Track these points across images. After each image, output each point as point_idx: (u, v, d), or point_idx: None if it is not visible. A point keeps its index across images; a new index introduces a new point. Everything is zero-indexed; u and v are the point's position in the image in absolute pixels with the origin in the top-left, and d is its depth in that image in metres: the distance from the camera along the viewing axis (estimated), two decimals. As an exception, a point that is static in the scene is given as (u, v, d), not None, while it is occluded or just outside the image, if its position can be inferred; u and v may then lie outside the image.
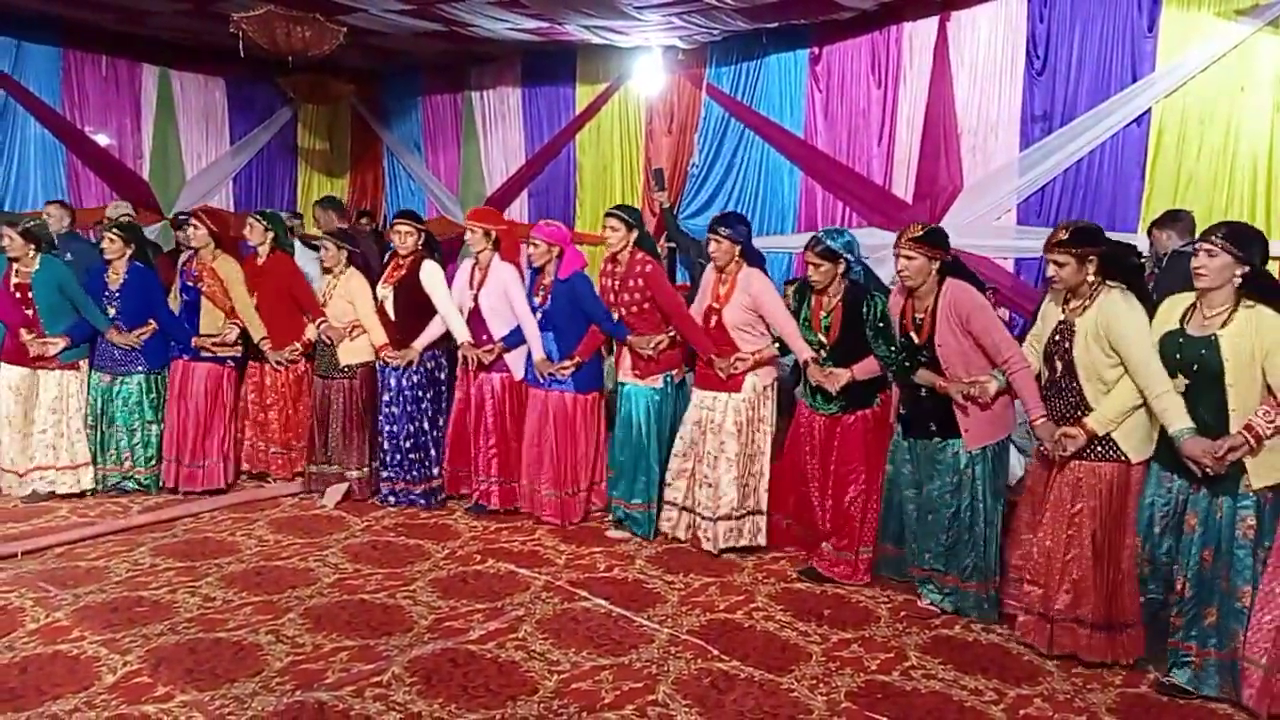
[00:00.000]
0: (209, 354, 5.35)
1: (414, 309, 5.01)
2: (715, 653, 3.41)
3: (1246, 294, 3.00)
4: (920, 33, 6.34)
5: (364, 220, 8.51)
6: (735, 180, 7.39)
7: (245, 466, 5.59)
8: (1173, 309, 3.21)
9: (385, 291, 5.08)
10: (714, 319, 4.35)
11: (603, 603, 3.86)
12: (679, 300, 4.61)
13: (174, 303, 5.42)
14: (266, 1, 6.11)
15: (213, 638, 3.44)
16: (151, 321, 5.27)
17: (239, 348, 5.42)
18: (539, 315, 4.80)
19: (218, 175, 8.91)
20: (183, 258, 5.61)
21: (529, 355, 4.87)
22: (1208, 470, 2.99)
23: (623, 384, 4.70)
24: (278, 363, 5.37)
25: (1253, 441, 2.93)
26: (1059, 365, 3.37)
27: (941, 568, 3.76)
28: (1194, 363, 3.06)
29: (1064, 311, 3.37)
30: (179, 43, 8.23)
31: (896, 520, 4.02)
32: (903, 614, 3.82)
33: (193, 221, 5.40)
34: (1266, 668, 2.95)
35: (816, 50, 6.86)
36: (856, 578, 4.11)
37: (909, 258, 3.61)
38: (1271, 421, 2.92)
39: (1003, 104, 6.02)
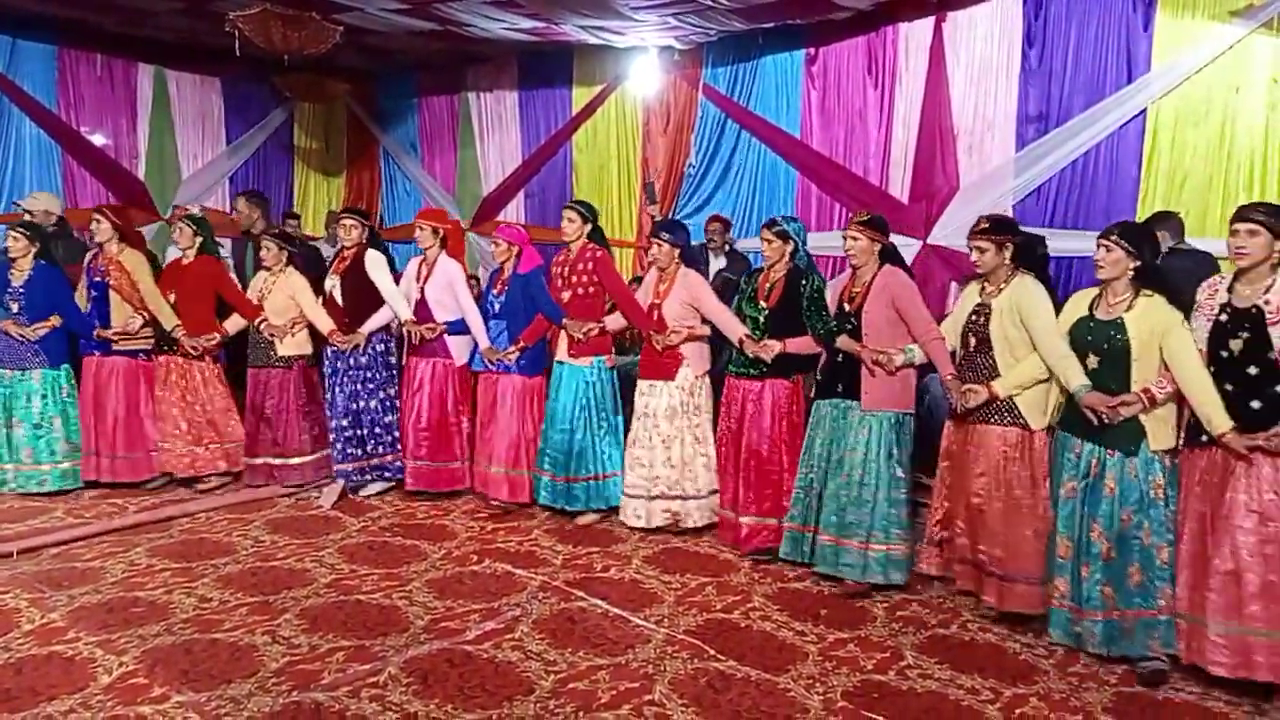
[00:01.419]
0: (120, 348, 5.41)
1: (361, 296, 5.33)
2: (712, 652, 3.41)
3: (1142, 284, 3.38)
4: (916, 33, 6.34)
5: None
6: (731, 180, 7.39)
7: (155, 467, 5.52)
8: (1080, 301, 3.58)
9: (333, 281, 5.42)
10: (656, 313, 4.81)
11: (599, 603, 3.86)
12: (624, 284, 5.12)
13: (83, 300, 5.43)
14: (262, 0, 6.10)
15: (209, 638, 3.43)
16: (53, 317, 5.28)
17: (150, 339, 5.48)
18: (496, 306, 5.19)
19: (213, 175, 8.88)
20: (89, 254, 5.61)
21: (475, 345, 5.29)
22: (1104, 418, 3.33)
23: (559, 363, 5.09)
24: (192, 347, 5.38)
25: (1146, 402, 3.30)
26: (973, 341, 3.81)
27: (849, 534, 4.03)
28: (1105, 342, 3.41)
29: (981, 295, 3.82)
30: (174, 42, 8.21)
31: (813, 499, 4.22)
32: (899, 614, 3.82)
33: (96, 217, 5.46)
34: (1198, 622, 3.17)
35: (812, 51, 6.87)
36: (757, 543, 4.40)
37: (854, 238, 4.11)
38: (1164, 389, 3.31)
39: (998, 104, 6.03)
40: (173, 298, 5.43)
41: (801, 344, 4.38)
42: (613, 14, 6.50)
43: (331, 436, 5.40)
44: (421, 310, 5.31)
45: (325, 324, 5.37)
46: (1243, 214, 3.19)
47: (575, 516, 4.99)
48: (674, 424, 4.73)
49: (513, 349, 5.08)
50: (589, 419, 4.96)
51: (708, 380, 4.87)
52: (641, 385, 4.86)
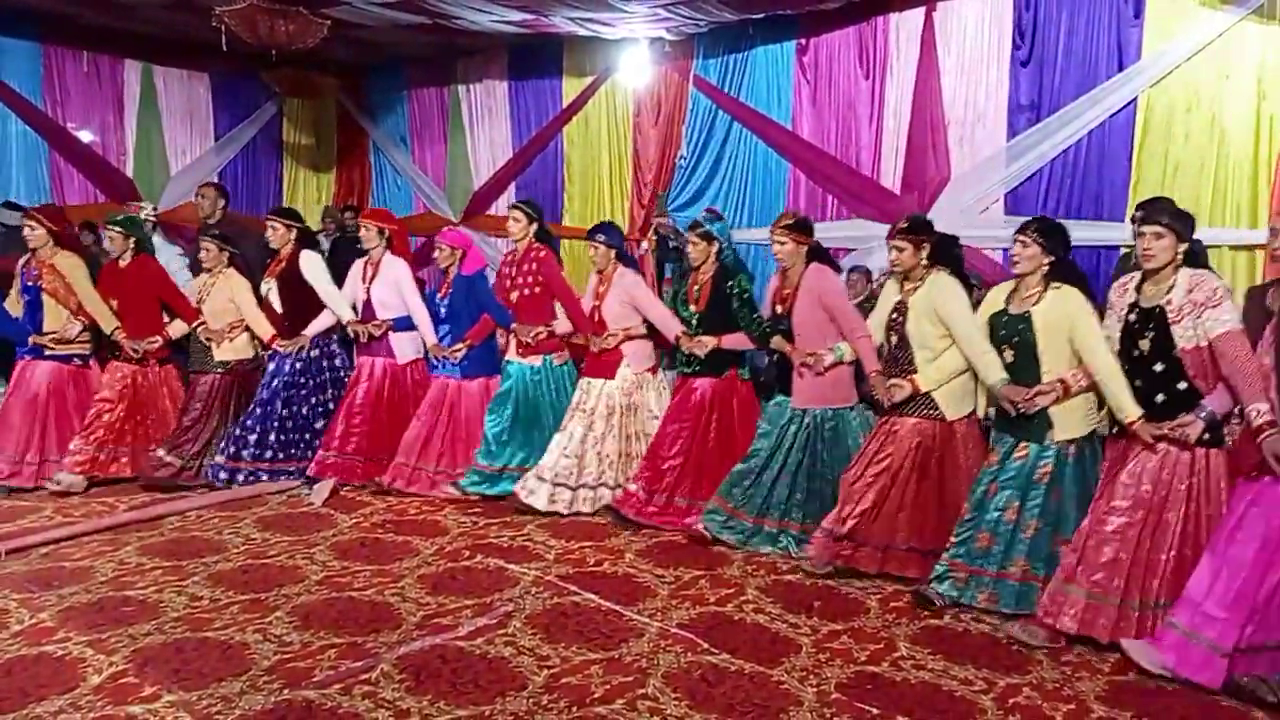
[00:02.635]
0: (55, 352, 5.30)
1: (299, 299, 5.33)
2: (705, 646, 3.41)
3: (1054, 278, 3.51)
4: (907, 23, 6.34)
5: (349, 215, 8.47)
6: (723, 172, 7.38)
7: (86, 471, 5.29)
8: (999, 293, 3.72)
9: (269, 284, 5.39)
10: (596, 314, 4.95)
11: (592, 597, 3.85)
12: (568, 286, 5.21)
13: (16, 305, 5.33)
14: (249, -5, 6.06)
15: (200, 637, 3.41)
16: None
17: (87, 344, 5.39)
18: (441, 310, 5.28)
19: (202, 171, 8.83)
20: (22, 259, 5.44)
21: (422, 343, 5.38)
22: (1020, 409, 3.50)
23: (508, 361, 5.24)
24: (134, 349, 5.32)
25: (1060, 391, 3.45)
26: (894, 338, 3.99)
27: (793, 518, 4.31)
28: (1015, 336, 3.58)
29: (900, 292, 3.97)
30: (161, 37, 8.16)
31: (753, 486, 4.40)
32: (892, 605, 3.82)
33: (28, 222, 5.31)
34: (1097, 597, 3.32)
35: (804, 41, 6.85)
36: (661, 520, 4.62)
37: (780, 242, 4.25)
38: (1079, 380, 3.44)
39: (989, 94, 6.03)
40: (114, 304, 5.31)
41: (736, 339, 4.53)
42: (603, 5, 6.47)
43: (237, 431, 5.30)
44: (367, 312, 5.35)
45: (265, 329, 5.34)
46: (1149, 217, 3.27)
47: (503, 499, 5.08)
48: (610, 421, 4.86)
49: (459, 346, 5.20)
50: (535, 414, 5.11)
51: (655, 375, 5.03)
52: (582, 383, 4.99)
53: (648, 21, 6.91)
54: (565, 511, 4.85)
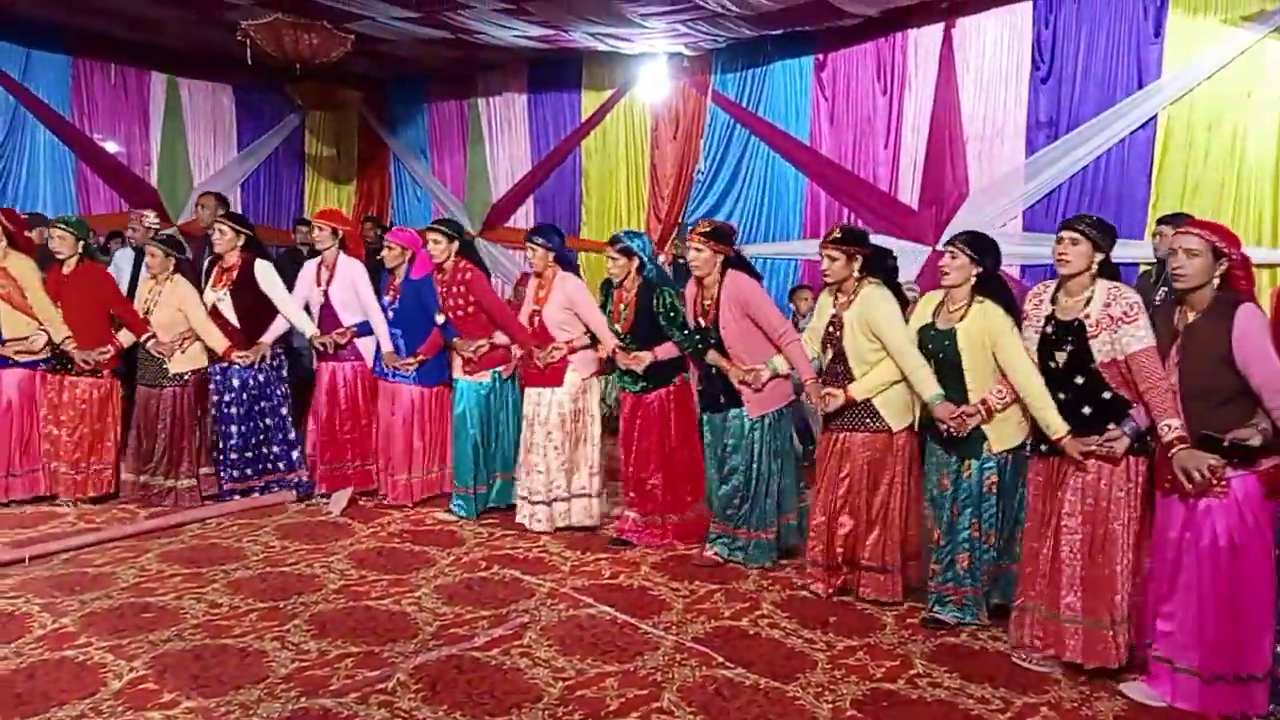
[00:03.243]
0: (18, 360, 5.13)
1: (254, 309, 5.20)
2: (720, 660, 3.40)
3: (980, 291, 3.55)
4: (925, 39, 6.35)
5: (368, 226, 8.55)
6: (740, 186, 7.40)
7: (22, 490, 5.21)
8: (928, 304, 3.77)
9: (219, 295, 5.19)
10: (536, 320, 4.83)
11: (608, 610, 3.86)
12: (500, 302, 5.26)
13: None
14: (274, 9, 6.15)
15: (219, 644, 3.44)
16: None
17: (46, 350, 5.18)
18: (389, 313, 5.23)
19: (225, 182, 8.95)
20: None
21: (377, 347, 5.30)
22: (951, 430, 3.58)
23: (456, 380, 5.20)
24: (84, 361, 5.09)
25: (984, 413, 3.53)
26: (831, 351, 3.98)
27: (732, 524, 4.34)
28: (940, 352, 3.63)
29: (834, 305, 3.97)
30: (187, 50, 8.29)
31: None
32: (908, 622, 3.81)
33: None
34: (1031, 609, 3.40)
35: (821, 57, 6.88)
36: (663, 540, 4.65)
37: (697, 250, 4.22)
38: (1002, 398, 3.50)
39: (1008, 110, 6.03)
40: (59, 310, 5.13)
41: (669, 349, 4.52)
42: (622, 21, 6.52)
43: (221, 456, 5.25)
44: (326, 313, 5.29)
45: (218, 341, 5.12)
46: (1067, 223, 3.31)
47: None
48: (565, 429, 4.82)
49: (411, 360, 5.16)
50: (493, 431, 5.13)
51: (598, 380, 5.00)
52: (529, 393, 4.89)
53: (666, 37, 6.96)
54: (562, 524, 4.87)
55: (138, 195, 8.30)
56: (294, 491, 5.37)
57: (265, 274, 5.20)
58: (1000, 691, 3.22)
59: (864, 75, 6.69)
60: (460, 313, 5.02)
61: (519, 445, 5.00)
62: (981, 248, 3.58)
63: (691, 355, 4.50)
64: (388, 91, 9.77)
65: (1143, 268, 5.22)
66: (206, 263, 5.51)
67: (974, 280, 3.56)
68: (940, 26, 6.25)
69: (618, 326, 4.61)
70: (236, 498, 5.24)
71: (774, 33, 6.79)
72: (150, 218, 6.50)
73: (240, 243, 5.20)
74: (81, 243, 5.19)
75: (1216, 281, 2.99)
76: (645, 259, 4.55)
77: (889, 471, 3.89)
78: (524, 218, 8.82)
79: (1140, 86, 5.46)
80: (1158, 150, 5.43)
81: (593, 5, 6.20)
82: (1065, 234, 3.26)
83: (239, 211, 8.74)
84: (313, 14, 6.27)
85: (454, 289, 5.00)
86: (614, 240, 4.59)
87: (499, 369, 5.10)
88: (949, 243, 3.67)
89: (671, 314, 4.45)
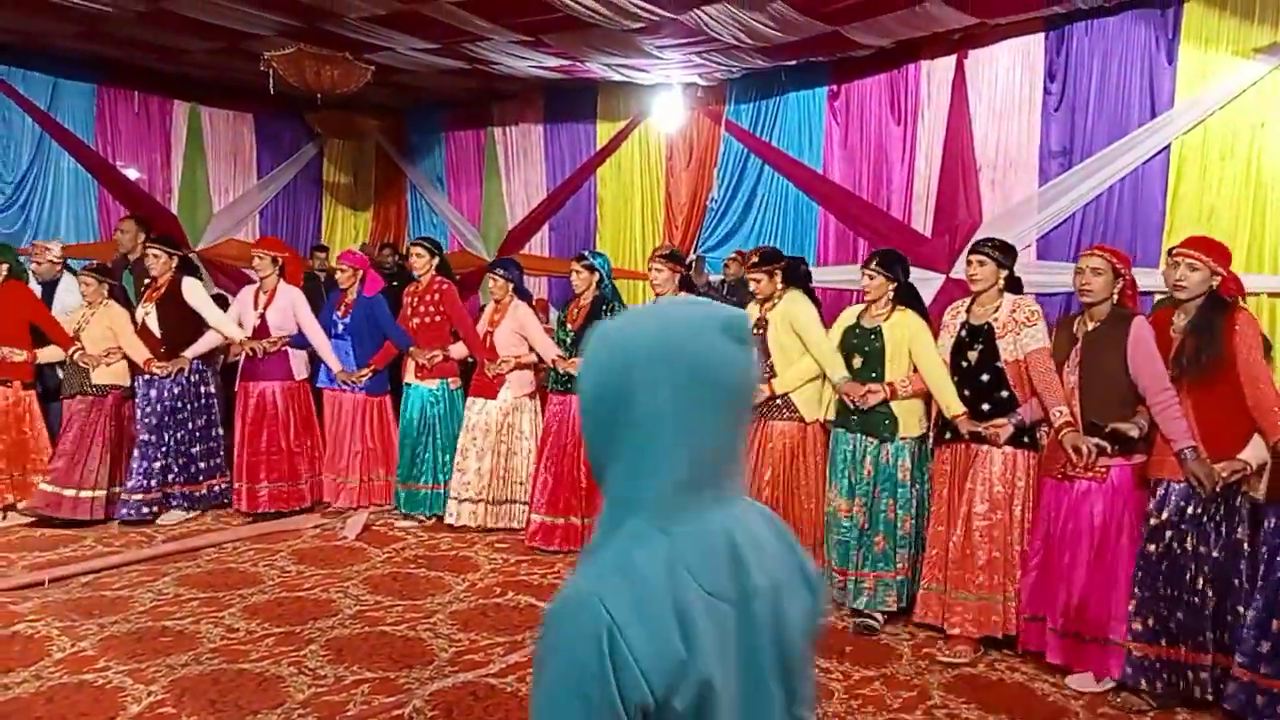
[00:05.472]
0: None
1: (178, 323, 5.41)
2: (736, 689, 3.38)
3: (899, 301, 4.11)
4: (938, 70, 6.39)
5: (386, 252, 8.63)
6: (754, 214, 7.44)
7: None
8: (850, 314, 4.32)
9: (147, 309, 5.45)
10: (489, 339, 5.38)
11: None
12: (466, 315, 5.66)
13: None
14: (297, 40, 6.26)
15: (236, 668, 3.45)
16: None
17: None
18: (340, 327, 5.62)
19: (244, 209, 9.06)
20: None
21: (319, 362, 5.68)
22: (856, 404, 4.01)
23: (408, 384, 5.63)
24: None
25: (887, 392, 4.00)
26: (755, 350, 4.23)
27: None
28: (866, 345, 4.12)
29: (760, 310, 4.46)
30: (210, 80, 8.42)
31: None
32: (924, 652, 3.78)
33: None
34: (937, 590, 3.84)
35: (835, 87, 6.93)
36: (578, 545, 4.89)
37: (658, 270, 4.79)
38: (906, 385, 4.01)
39: (1021, 139, 6.05)
40: None
41: None
42: (637, 52, 6.60)
43: (133, 465, 5.31)
44: (262, 334, 5.54)
45: (141, 353, 5.33)
46: (976, 246, 3.94)
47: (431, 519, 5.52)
48: (489, 439, 5.29)
49: (365, 372, 5.58)
50: (431, 434, 5.51)
51: (532, 400, 5.43)
52: (471, 401, 5.43)
53: (681, 68, 7.04)
54: (491, 525, 5.27)
55: (157, 221, 8.41)
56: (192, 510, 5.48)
57: (193, 291, 5.45)
58: (1019, 723, 3.19)
59: (877, 105, 6.73)
60: (426, 320, 5.54)
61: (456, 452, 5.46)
62: (891, 265, 4.11)
63: None
64: (405, 120, 9.89)
65: (1158, 297, 5.22)
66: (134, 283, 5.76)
67: (892, 292, 4.09)
68: (953, 58, 6.30)
69: (569, 325, 5.15)
70: (145, 511, 5.27)
71: (788, 64, 6.86)
72: (55, 250, 6.20)
73: (174, 264, 5.48)
74: (4, 264, 5.40)
75: (1115, 297, 3.51)
76: (604, 275, 5.12)
77: (801, 457, 4.32)
78: (539, 244, 8.88)
79: (1153, 116, 5.48)
80: (1172, 178, 5.43)
81: (609, 37, 6.28)
82: (974, 256, 3.89)
83: (256, 237, 8.87)
84: (335, 45, 6.38)
85: (426, 298, 5.56)
86: (580, 257, 5.18)
87: (448, 379, 5.57)
88: (864, 265, 4.17)
89: None
